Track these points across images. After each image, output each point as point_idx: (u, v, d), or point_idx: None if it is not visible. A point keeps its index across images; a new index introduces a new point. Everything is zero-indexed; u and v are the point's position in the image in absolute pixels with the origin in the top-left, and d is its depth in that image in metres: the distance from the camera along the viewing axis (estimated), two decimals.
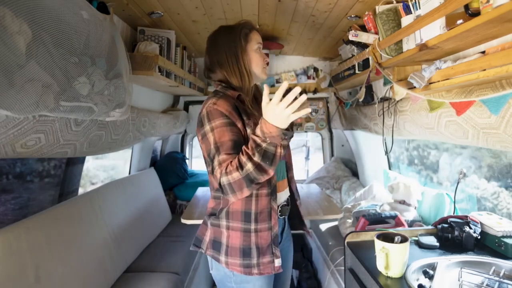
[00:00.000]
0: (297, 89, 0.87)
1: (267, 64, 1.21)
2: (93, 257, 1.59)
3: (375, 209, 1.93)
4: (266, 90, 0.91)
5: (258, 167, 0.93)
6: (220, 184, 0.97)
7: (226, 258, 1.09)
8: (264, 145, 0.92)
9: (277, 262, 1.09)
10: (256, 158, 0.93)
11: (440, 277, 0.97)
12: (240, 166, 0.94)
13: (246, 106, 1.11)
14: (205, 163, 1.14)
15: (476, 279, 0.95)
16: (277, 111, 0.88)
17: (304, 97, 0.88)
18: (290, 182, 1.27)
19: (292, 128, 0.97)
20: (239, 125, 1.05)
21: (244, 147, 0.96)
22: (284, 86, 0.88)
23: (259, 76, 1.19)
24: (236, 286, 1.11)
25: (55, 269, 1.32)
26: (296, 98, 0.87)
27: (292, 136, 0.97)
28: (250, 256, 1.07)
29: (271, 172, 0.96)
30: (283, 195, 1.19)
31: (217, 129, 1.02)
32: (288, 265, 1.32)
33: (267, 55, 2.53)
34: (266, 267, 1.08)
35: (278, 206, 1.15)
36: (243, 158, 0.94)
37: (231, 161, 0.96)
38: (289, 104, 0.87)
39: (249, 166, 0.93)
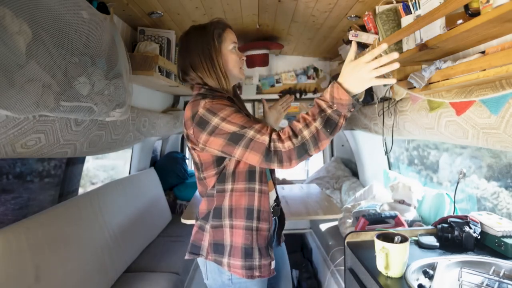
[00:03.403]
0: (384, 45, 0.82)
1: (245, 63, 1.16)
2: (93, 257, 1.59)
3: (375, 209, 1.93)
4: (354, 46, 0.84)
5: (316, 135, 0.86)
6: (269, 149, 0.88)
7: (229, 259, 1.04)
8: (329, 111, 0.85)
9: (273, 264, 1.08)
10: (317, 124, 0.85)
11: (440, 277, 0.97)
12: (294, 135, 0.87)
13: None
14: (197, 166, 1.09)
15: (476, 279, 0.95)
16: (363, 70, 0.82)
17: (396, 64, 0.79)
18: (275, 184, 1.22)
19: (358, 100, 0.88)
20: None
21: (301, 114, 0.89)
22: (383, 47, 0.82)
23: (236, 76, 1.14)
24: None
25: (55, 269, 1.32)
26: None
27: (354, 109, 0.88)
28: (252, 257, 1.04)
29: (325, 144, 0.88)
30: (272, 195, 1.17)
31: (230, 116, 0.93)
32: (286, 264, 1.31)
33: (265, 55, 2.52)
34: (265, 269, 1.06)
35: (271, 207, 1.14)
36: (299, 125, 0.88)
37: (281, 129, 0.90)
38: (380, 67, 0.80)
39: (306, 133, 0.86)
